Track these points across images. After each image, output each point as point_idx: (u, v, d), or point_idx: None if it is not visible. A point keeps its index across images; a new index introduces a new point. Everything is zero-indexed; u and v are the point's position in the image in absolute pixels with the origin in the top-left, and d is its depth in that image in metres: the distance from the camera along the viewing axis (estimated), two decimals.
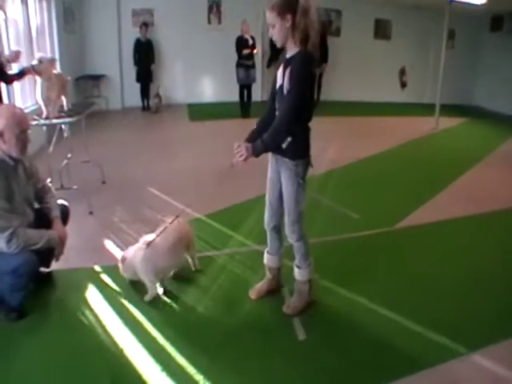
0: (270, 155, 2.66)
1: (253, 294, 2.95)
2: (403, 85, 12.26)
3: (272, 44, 10.46)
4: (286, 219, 2.68)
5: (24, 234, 2.51)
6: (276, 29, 2.37)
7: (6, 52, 4.57)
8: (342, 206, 4.60)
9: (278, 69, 2.50)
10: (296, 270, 2.79)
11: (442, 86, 8.98)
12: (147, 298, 2.88)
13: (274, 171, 2.68)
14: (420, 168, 6.26)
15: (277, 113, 2.50)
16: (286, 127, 2.40)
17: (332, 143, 7.20)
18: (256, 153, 2.40)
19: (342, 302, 2.96)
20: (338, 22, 11.28)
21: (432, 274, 3.36)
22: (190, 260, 3.22)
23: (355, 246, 3.82)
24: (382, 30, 11.63)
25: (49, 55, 4.17)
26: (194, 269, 3.22)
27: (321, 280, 3.17)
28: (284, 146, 2.46)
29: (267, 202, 2.81)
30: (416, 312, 2.83)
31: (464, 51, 12.07)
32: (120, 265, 2.93)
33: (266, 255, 2.96)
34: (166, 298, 2.93)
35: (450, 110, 10.25)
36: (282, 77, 2.44)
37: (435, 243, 3.92)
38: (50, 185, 3.11)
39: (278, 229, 2.84)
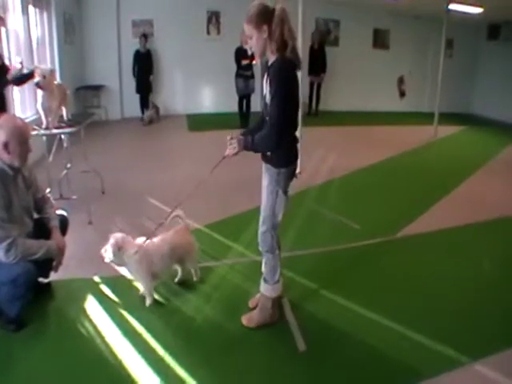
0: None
1: (252, 303, 2.93)
2: (402, 94, 12.30)
3: None
4: (260, 226, 2.66)
5: (23, 244, 2.51)
6: (253, 40, 2.39)
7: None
8: (341, 215, 4.59)
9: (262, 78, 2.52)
10: (262, 282, 2.73)
11: (441, 95, 9.03)
12: (148, 302, 2.92)
13: (263, 179, 2.68)
14: (420, 176, 6.26)
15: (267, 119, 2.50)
16: (275, 137, 2.37)
17: (331, 153, 7.20)
18: (245, 148, 2.47)
19: (343, 312, 2.94)
20: (337, 32, 11.33)
21: (433, 283, 3.35)
22: (192, 271, 3.20)
23: (355, 255, 3.81)
24: (380, 39, 11.68)
25: (47, 66, 4.16)
26: (195, 279, 3.21)
27: (321, 290, 3.17)
28: (268, 152, 2.49)
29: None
30: (418, 322, 2.81)
31: (462, 60, 12.12)
32: (111, 249, 2.81)
33: (263, 264, 2.93)
34: (165, 308, 2.92)
35: (448, 118, 10.28)
36: (265, 86, 2.45)
37: (436, 252, 3.91)
38: (49, 195, 3.11)
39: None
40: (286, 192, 2.58)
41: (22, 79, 4.17)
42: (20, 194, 2.66)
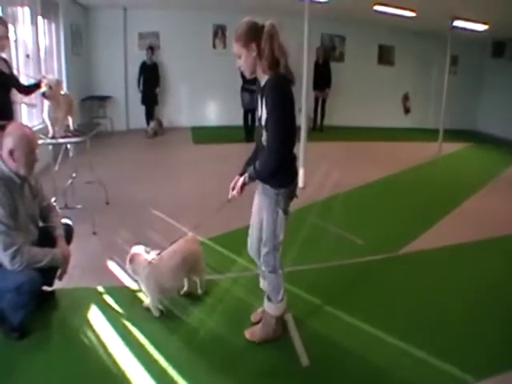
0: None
1: (255, 318, 2.91)
2: (407, 110, 12.33)
3: None
4: (262, 248, 2.62)
5: (28, 251, 2.51)
6: (242, 59, 2.34)
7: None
8: (345, 231, 4.58)
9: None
10: (266, 301, 2.70)
11: (445, 112, 9.06)
12: (154, 313, 2.92)
13: (259, 198, 2.65)
14: (424, 193, 6.24)
15: (263, 141, 2.42)
16: (277, 160, 2.33)
17: (336, 168, 7.20)
18: (251, 180, 2.47)
19: (346, 328, 2.92)
20: (342, 48, 11.41)
21: (436, 300, 3.33)
22: (198, 282, 3.19)
23: (359, 271, 3.79)
24: (385, 55, 11.74)
25: (54, 76, 4.19)
26: (200, 291, 3.19)
27: (324, 306, 3.15)
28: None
29: (250, 228, 2.78)
30: (421, 338, 2.79)
31: (466, 77, 12.16)
32: (128, 263, 2.91)
33: (260, 279, 2.91)
34: (168, 320, 2.90)
35: (453, 135, 10.28)
36: (260, 107, 2.41)
37: (439, 269, 3.89)
38: (54, 203, 3.12)
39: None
40: (286, 212, 2.54)
41: (30, 89, 4.19)
42: (26, 203, 2.67)
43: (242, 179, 2.51)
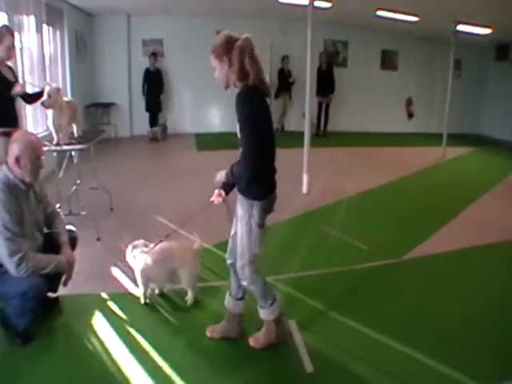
0: None
1: (208, 331, 2.82)
2: (410, 115, 12.31)
3: (280, 75, 10.63)
4: (237, 260, 2.57)
5: (33, 258, 2.53)
6: (217, 71, 2.39)
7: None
8: (349, 236, 4.56)
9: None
10: (259, 309, 2.68)
11: (449, 116, 9.04)
12: (141, 300, 3.15)
13: (237, 208, 2.59)
14: (428, 198, 6.23)
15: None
16: (250, 169, 2.34)
17: (339, 173, 7.21)
18: (228, 180, 2.47)
19: (350, 333, 2.91)
20: (345, 53, 11.43)
21: (440, 305, 3.31)
22: (189, 293, 3.16)
23: (363, 276, 3.78)
24: (388, 60, 11.75)
25: (54, 85, 4.19)
26: (188, 303, 3.15)
27: (328, 311, 3.14)
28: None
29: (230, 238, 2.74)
30: (426, 344, 2.77)
31: (470, 81, 12.14)
32: (128, 252, 3.15)
33: (226, 295, 2.82)
34: (172, 326, 2.91)
35: (456, 139, 10.25)
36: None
37: (443, 274, 3.87)
38: (58, 210, 3.13)
39: (235, 269, 2.65)
40: (261, 225, 2.49)
41: (33, 97, 4.21)
42: (31, 209, 2.69)
43: (220, 177, 2.50)
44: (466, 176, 7.77)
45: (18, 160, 2.53)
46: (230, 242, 2.71)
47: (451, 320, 3.10)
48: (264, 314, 2.67)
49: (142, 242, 3.17)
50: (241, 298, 2.76)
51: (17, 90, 3.82)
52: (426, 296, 3.45)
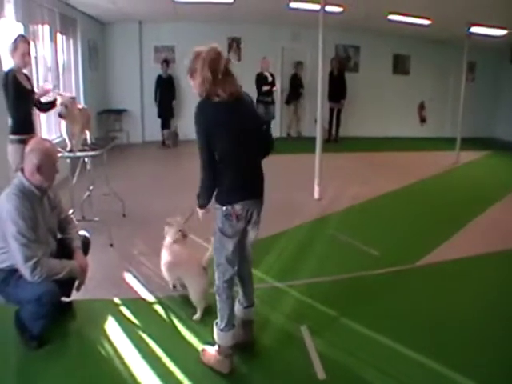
0: None
1: None
2: (422, 120, 12.23)
3: (292, 80, 10.64)
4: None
5: (47, 263, 2.56)
6: (194, 89, 2.40)
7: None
8: (361, 242, 4.53)
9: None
10: (214, 326, 2.57)
11: (463, 120, 8.93)
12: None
13: None
14: (441, 204, 6.16)
15: None
16: (206, 181, 2.46)
17: (351, 179, 7.19)
18: (201, 208, 2.59)
19: (362, 340, 2.88)
20: (357, 58, 11.40)
21: (455, 313, 3.27)
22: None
23: (375, 283, 3.75)
24: (400, 65, 11.70)
25: (68, 94, 4.23)
26: (193, 317, 3.06)
27: (340, 318, 3.12)
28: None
29: None
30: (440, 352, 2.73)
31: (484, 84, 12.02)
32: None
33: (236, 303, 2.75)
34: (184, 332, 2.91)
35: (471, 143, 10.12)
36: None
37: (457, 281, 3.83)
38: (72, 216, 3.16)
39: (238, 274, 2.63)
40: (223, 231, 2.43)
41: (46, 106, 4.27)
42: (45, 215, 2.73)
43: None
44: (481, 181, 7.68)
45: (39, 169, 2.57)
46: None
47: (466, 329, 3.05)
48: (215, 333, 2.54)
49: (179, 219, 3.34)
50: (248, 306, 2.75)
51: (40, 92, 3.90)
52: (439, 303, 3.40)
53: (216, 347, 2.54)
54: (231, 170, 2.39)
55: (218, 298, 2.53)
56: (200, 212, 2.60)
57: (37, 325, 2.60)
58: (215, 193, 2.43)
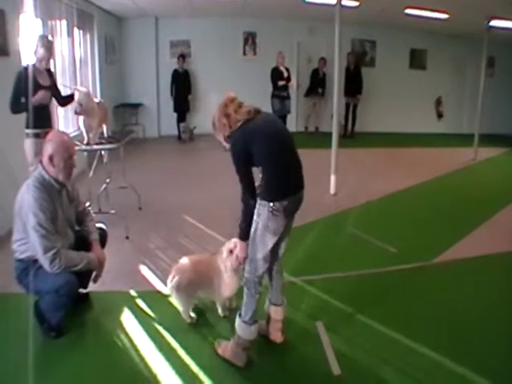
0: None
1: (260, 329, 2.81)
2: (439, 115, 12.07)
3: (312, 76, 10.55)
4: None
5: (66, 255, 2.59)
6: (221, 138, 2.57)
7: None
8: (378, 238, 4.49)
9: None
10: (236, 317, 2.56)
11: (481, 116, 8.77)
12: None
13: None
14: (459, 200, 6.08)
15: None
16: (243, 211, 2.49)
17: (368, 174, 7.14)
18: (241, 238, 2.57)
19: (378, 337, 2.86)
20: (373, 53, 11.29)
21: (472, 311, 3.22)
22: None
23: (392, 279, 3.71)
24: (417, 59, 11.54)
25: (84, 89, 4.23)
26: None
27: (356, 314, 3.10)
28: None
29: None
30: (457, 351, 2.69)
31: (504, 79, 11.77)
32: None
33: (266, 300, 2.81)
34: (200, 326, 2.92)
35: (489, 139, 9.97)
36: None
37: (475, 279, 3.77)
38: (89, 208, 3.19)
39: (269, 270, 2.65)
40: (269, 230, 2.40)
41: (66, 100, 4.32)
42: (64, 208, 2.76)
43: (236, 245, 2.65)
44: (499, 178, 7.55)
45: (51, 158, 2.60)
46: None
47: (484, 327, 3.00)
48: (237, 324, 2.54)
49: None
50: (276, 304, 2.74)
51: (36, 98, 3.85)
52: (456, 301, 3.36)
53: (235, 338, 2.54)
54: (275, 167, 2.42)
55: (246, 291, 2.52)
56: (241, 247, 2.61)
57: (55, 315, 2.65)
58: (261, 190, 2.42)
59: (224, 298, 2.95)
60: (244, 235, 2.51)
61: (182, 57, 9.77)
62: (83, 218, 2.99)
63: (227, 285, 2.85)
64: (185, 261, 2.95)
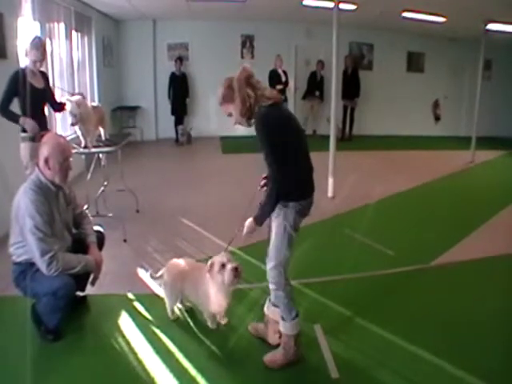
0: None
1: (251, 327, 2.87)
2: (437, 118, 12.10)
3: (310, 79, 10.57)
4: (267, 262, 2.52)
5: (63, 258, 2.59)
6: (234, 114, 2.44)
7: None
8: (376, 241, 4.49)
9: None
10: (280, 321, 2.56)
11: (478, 118, 8.81)
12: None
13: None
14: (456, 203, 6.09)
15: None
16: (273, 199, 2.36)
17: (365, 177, 7.14)
18: (256, 221, 2.45)
19: (376, 340, 2.85)
20: (370, 56, 11.32)
21: (469, 314, 3.22)
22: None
23: (390, 282, 3.72)
24: (414, 62, 11.58)
25: (73, 98, 4.18)
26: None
27: (354, 317, 3.10)
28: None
29: None
30: (456, 355, 2.68)
31: (501, 82, 11.83)
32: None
33: (266, 301, 2.79)
34: (198, 329, 2.91)
35: (486, 142, 9.99)
36: None
37: (473, 282, 3.77)
38: (86, 211, 3.18)
39: None
40: (295, 229, 2.45)
41: (58, 107, 4.31)
42: (61, 210, 2.76)
43: (247, 223, 2.49)
44: (497, 180, 7.58)
45: (47, 161, 2.60)
46: (268, 246, 2.65)
47: (481, 331, 2.99)
48: (285, 327, 2.54)
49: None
50: (277, 305, 2.70)
51: (25, 126, 3.77)
52: (454, 304, 3.35)
53: (291, 341, 2.53)
54: (299, 166, 2.44)
55: (282, 293, 2.49)
56: (248, 228, 2.50)
57: (53, 318, 2.64)
58: (286, 191, 2.38)
59: (211, 313, 2.83)
60: (261, 220, 2.45)
61: (180, 60, 9.78)
62: (80, 221, 2.98)
63: (216, 301, 2.69)
64: (179, 260, 2.97)
